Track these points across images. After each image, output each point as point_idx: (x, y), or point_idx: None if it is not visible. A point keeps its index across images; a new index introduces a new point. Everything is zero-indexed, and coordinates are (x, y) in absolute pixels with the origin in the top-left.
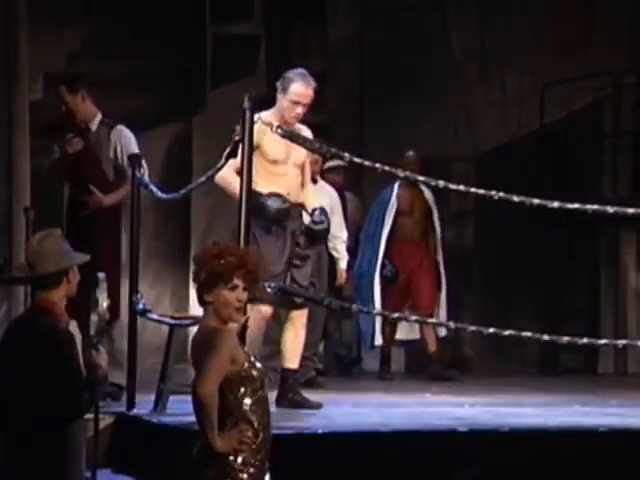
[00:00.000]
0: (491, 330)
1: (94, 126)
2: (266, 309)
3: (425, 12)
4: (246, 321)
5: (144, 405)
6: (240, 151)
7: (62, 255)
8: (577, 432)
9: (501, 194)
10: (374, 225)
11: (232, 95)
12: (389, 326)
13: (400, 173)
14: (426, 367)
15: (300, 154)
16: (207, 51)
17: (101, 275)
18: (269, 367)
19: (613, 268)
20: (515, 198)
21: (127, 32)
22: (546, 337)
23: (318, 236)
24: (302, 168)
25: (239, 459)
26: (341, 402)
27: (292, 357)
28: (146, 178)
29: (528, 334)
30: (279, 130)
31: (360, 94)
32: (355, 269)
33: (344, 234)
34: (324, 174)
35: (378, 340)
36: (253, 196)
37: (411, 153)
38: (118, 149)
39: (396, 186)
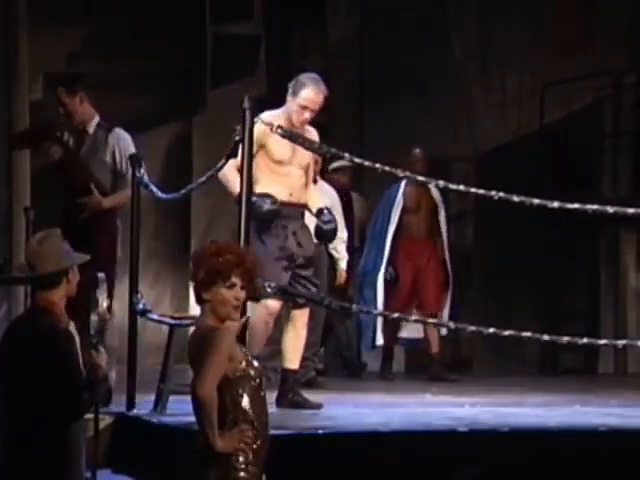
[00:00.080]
0: (491, 330)
1: (91, 128)
2: (273, 304)
3: (425, 12)
4: (246, 321)
5: (144, 405)
6: (240, 151)
7: (62, 255)
8: (577, 432)
9: (501, 194)
10: (380, 223)
11: (232, 95)
12: (392, 325)
13: (400, 173)
14: (427, 367)
15: (305, 155)
16: (207, 51)
17: (101, 275)
18: (269, 367)
19: (613, 268)
20: (515, 198)
21: (127, 32)
22: (546, 337)
23: (327, 236)
24: (306, 169)
25: (240, 459)
26: (341, 402)
27: (292, 357)
28: (146, 178)
29: (528, 334)
30: (279, 130)
31: (360, 94)
32: (360, 267)
33: (344, 234)
34: (329, 174)
35: (379, 340)
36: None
37: (418, 151)
38: (116, 152)
39: (402, 183)
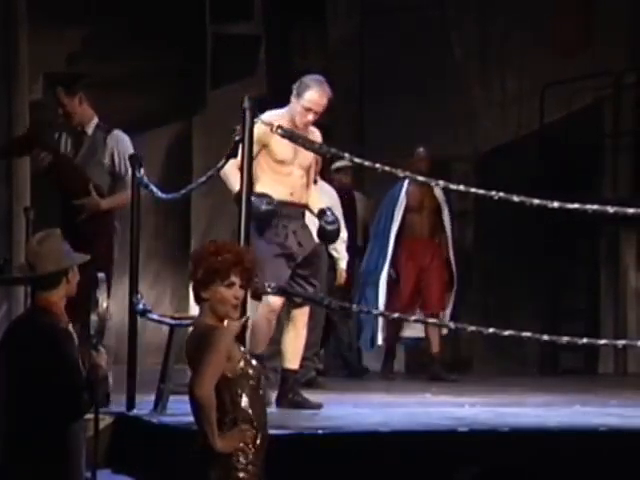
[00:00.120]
0: (491, 330)
1: (90, 130)
2: (275, 302)
3: (425, 12)
4: (246, 321)
5: (144, 405)
6: (240, 151)
7: (62, 255)
8: (577, 432)
9: (501, 194)
10: (383, 222)
11: (232, 95)
12: (394, 325)
13: (400, 173)
14: (427, 367)
15: (307, 156)
16: (207, 51)
17: (101, 275)
18: (269, 367)
19: (613, 268)
20: (515, 198)
21: (127, 32)
22: (546, 337)
23: (331, 236)
24: (307, 169)
25: (241, 459)
26: (341, 402)
27: (292, 358)
28: (145, 178)
29: (528, 334)
30: (279, 130)
31: (360, 94)
32: (363, 266)
33: (344, 234)
34: (332, 174)
35: (379, 340)
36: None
37: (421, 149)
38: (115, 154)
39: (405, 183)
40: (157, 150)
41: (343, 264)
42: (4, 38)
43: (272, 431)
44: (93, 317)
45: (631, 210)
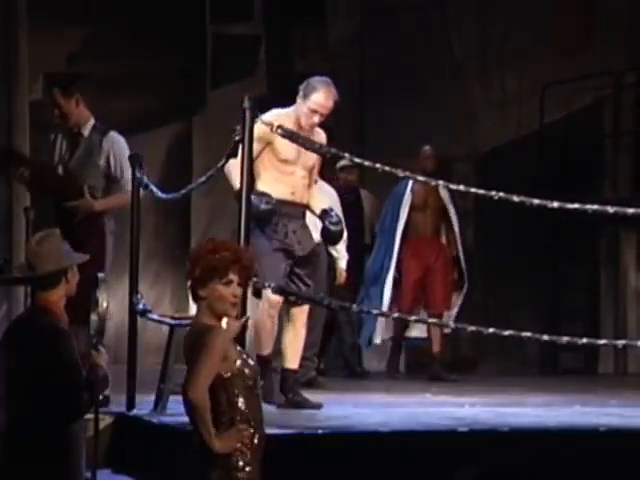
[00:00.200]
0: (491, 330)
1: (87, 131)
2: (275, 297)
3: (425, 12)
4: (246, 321)
5: (144, 405)
6: (240, 151)
7: (62, 255)
8: (577, 432)
9: (501, 194)
10: (389, 221)
11: (232, 95)
12: (400, 324)
13: (400, 173)
14: (428, 367)
15: (310, 156)
16: (207, 51)
17: (101, 275)
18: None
19: (613, 268)
20: (515, 198)
21: (127, 32)
22: (546, 337)
23: (334, 236)
24: (310, 170)
25: (239, 459)
26: (341, 402)
27: (292, 357)
28: (145, 179)
29: (528, 334)
30: (279, 131)
31: (360, 94)
32: (369, 264)
33: (344, 234)
34: (337, 173)
35: (376, 339)
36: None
37: (427, 148)
38: (110, 156)
39: (411, 181)
40: (157, 150)
41: (343, 264)
42: (4, 38)
43: (272, 431)
44: (93, 317)
45: (631, 210)
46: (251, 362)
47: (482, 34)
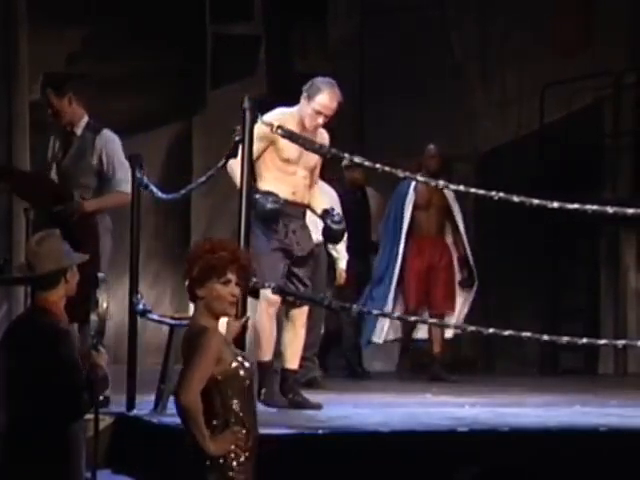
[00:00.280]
0: (491, 330)
1: (79, 130)
2: (273, 296)
3: (425, 12)
4: (246, 321)
5: (144, 405)
6: (240, 151)
7: (61, 255)
8: (577, 432)
9: (501, 194)
10: (393, 221)
11: (232, 95)
12: (407, 324)
13: (400, 173)
14: (428, 367)
15: (312, 157)
16: (207, 51)
17: (101, 275)
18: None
19: (613, 268)
20: (515, 198)
21: (127, 32)
22: (546, 337)
23: (336, 236)
24: (312, 170)
25: (234, 461)
26: (341, 402)
27: (292, 358)
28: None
29: (528, 334)
30: (279, 131)
31: (360, 94)
32: (375, 264)
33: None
34: (343, 171)
35: (377, 339)
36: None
37: (432, 147)
38: (103, 155)
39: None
40: (157, 150)
41: (343, 264)
42: (4, 38)
43: (272, 431)
44: (93, 317)
45: (631, 210)
46: (246, 364)
47: (482, 34)
